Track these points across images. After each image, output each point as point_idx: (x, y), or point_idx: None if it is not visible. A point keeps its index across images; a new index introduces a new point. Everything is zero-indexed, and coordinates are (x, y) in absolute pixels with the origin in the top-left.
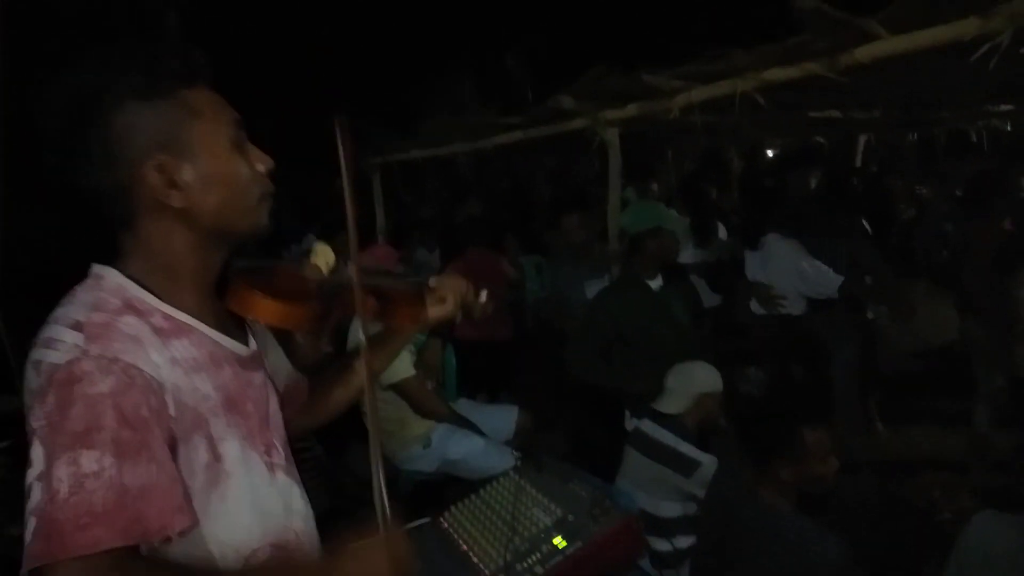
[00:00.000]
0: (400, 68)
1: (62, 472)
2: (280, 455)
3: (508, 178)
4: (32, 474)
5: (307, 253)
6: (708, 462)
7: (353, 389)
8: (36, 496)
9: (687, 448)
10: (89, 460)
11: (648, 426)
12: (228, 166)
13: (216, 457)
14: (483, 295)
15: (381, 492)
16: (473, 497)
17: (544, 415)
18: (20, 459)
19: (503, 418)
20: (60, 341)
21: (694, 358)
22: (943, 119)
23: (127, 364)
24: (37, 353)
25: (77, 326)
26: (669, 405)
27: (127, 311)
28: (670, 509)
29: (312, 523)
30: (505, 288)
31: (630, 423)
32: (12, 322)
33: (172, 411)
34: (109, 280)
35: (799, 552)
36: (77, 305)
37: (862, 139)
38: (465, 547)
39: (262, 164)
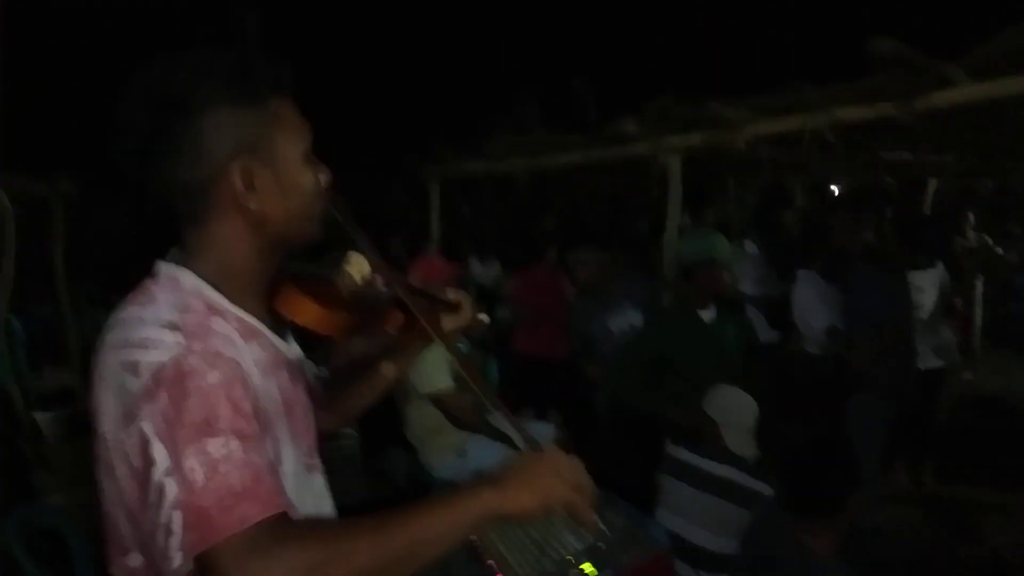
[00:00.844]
0: (467, 85)
1: (193, 462)
2: (317, 458)
3: (566, 199)
4: (159, 471)
5: (341, 261)
6: (767, 491)
7: (375, 390)
8: (172, 490)
9: (748, 481)
10: (216, 446)
11: (694, 458)
12: (301, 176)
13: (278, 459)
14: (483, 316)
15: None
16: None
17: (580, 437)
18: (74, 428)
19: (539, 434)
20: (158, 340)
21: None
22: (1020, 168)
23: (228, 358)
24: (130, 353)
25: (172, 326)
26: (740, 445)
27: (212, 313)
28: (728, 545)
29: None
30: (563, 306)
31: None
32: (75, 305)
33: (257, 410)
34: (186, 281)
35: None
36: (163, 306)
37: (932, 183)
38: (491, 561)
39: (324, 177)
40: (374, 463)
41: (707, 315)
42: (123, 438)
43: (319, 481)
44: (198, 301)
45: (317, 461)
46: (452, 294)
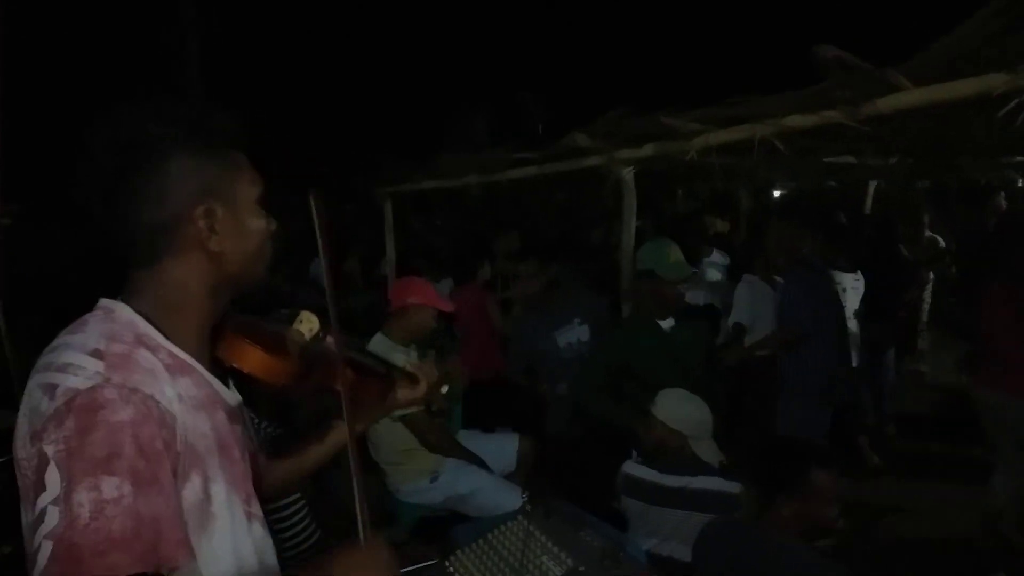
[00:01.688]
0: (414, 101)
1: (83, 497)
2: (257, 506)
3: (519, 213)
4: (47, 498)
5: (291, 318)
6: (731, 489)
7: (307, 465)
8: (53, 520)
9: (701, 482)
10: (110, 487)
11: (646, 472)
12: (255, 220)
13: (207, 497)
14: (444, 388)
15: (362, 507)
16: (480, 542)
17: (544, 446)
18: (14, 476)
19: (504, 447)
20: (79, 367)
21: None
22: (958, 167)
23: (145, 395)
24: (51, 377)
25: (97, 354)
26: (710, 455)
27: (140, 345)
28: None
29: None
30: (487, 324)
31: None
32: (15, 340)
33: (179, 446)
34: (120, 314)
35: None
36: (92, 334)
37: (872, 185)
38: None
39: (272, 225)
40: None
41: (666, 324)
42: (23, 455)
43: (258, 531)
44: (128, 333)
45: (256, 510)
46: (412, 367)
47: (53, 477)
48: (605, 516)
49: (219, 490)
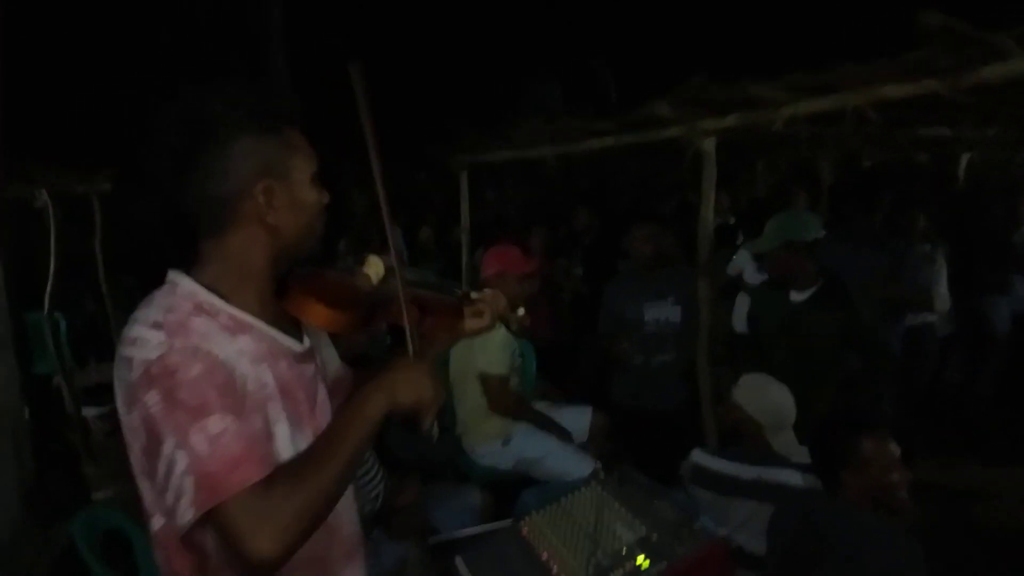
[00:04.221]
0: (492, 70)
1: (197, 438)
2: None
3: (595, 183)
4: (169, 446)
5: (360, 262)
6: (806, 482)
7: None
8: (184, 460)
9: (773, 474)
10: (214, 423)
11: (715, 462)
12: (309, 196)
13: (269, 435)
14: (520, 310)
15: (411, 329)
16: (554, 505)
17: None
18: (117, 424)
19: (577, 419)
20: (145, 340)
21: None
22: None
23: (206, 351)
24: (126, 350)
25: (157, 326)
26: (789, 447)
27: (197, 312)
28: None
29: (351, 508)
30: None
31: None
32: (116, 298)
33: (241, 392)
34: (183, 287)
35: (888, 554)
36: (154, 308)
37: (964, 158)
38: (546, 555)
39: (325, 198)
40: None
41: (801, 295)
42: (128, 420)
43: None
44: (187, 303)
45: None
46: (476, 298)
47: (167, 430)
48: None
49: (282, 429)
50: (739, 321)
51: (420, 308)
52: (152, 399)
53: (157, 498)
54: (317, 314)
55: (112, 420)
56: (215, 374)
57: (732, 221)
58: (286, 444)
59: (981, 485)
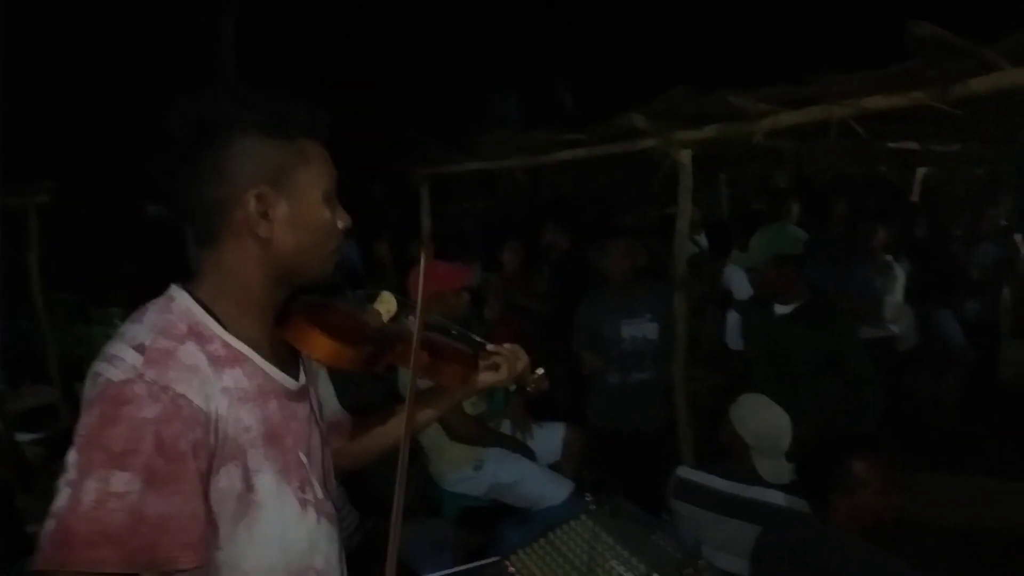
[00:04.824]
0: (451, 82)
1: (91, 485)
2: (314, 492)
3: (564, 197)
4: (64, 478)
5: (371, 298)
6: (795, 506)
7: (392, 437)
8: (62, 500)
9: (764, 495)
10: (119, 481)
11: (706, 478)
12: (316, 213)
13: (249, 488)
14: (539, 371)
15: (400, 497)
16: (542, 541)
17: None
18: (58, 449)
19: (549, 438)
20: (121, 360)
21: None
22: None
23: (177, 394)
24: (100, 366)
25: (140, 348)
26: (777, 474)
27: (190, 337)
28: None
29: (333, 563)
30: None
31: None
32: (52, 316)
33: (212, 440)
34: (179, 303)
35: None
36: (145, 326)
37: (920, 171)
38: None
39: (343, 221)
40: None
41: (785, 309)
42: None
43: (312, 518)
44: (183, 324)
45: (313, 496)
46: (492, 350)
47: (72, 460)
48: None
49: (265, 480)
50: (732, 337)
51: (431, 353)
52: (85, 421)
53: None
54: (319, 346)
55: (50, 445)
56: (169, 425)
57: (701, 237)
58: (271, 495)
59: (942, 495)
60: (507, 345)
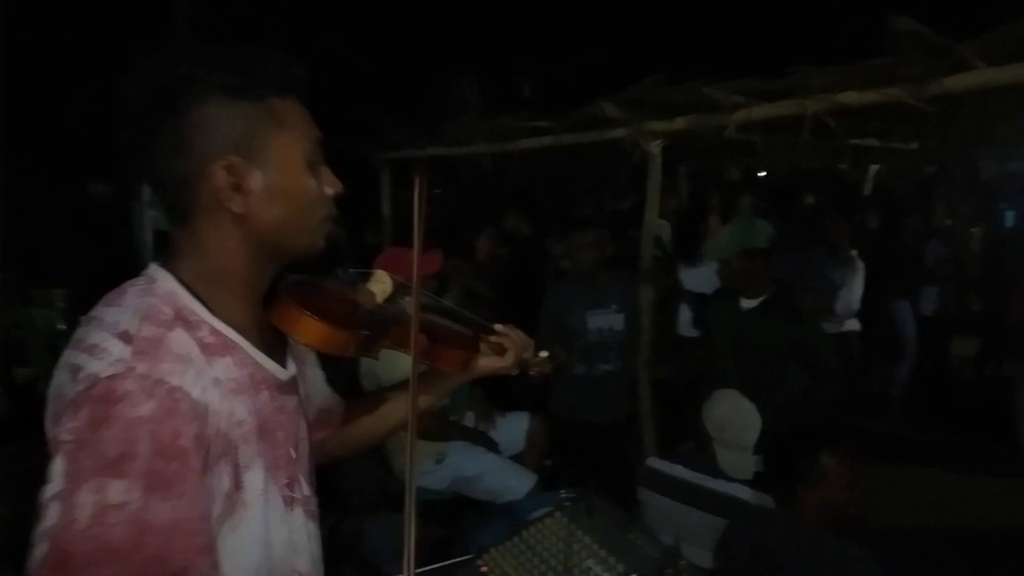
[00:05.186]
0: (412, 66)
1: (85, 498)
2: (301, 489)
3: (527, 185)
4: (50, 490)
5: (364, 277)
6: (760, 501)
7: (387, 424)
8: (52, 518)
9: (731, 488)
10: (116, 490)
11: (673, 468)
12: (296, 181)
13: (238, 485)
14: (543, 353)
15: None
16: (516, 540)
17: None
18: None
19: (512, 427)
20: (105, 351)
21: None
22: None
23: (173, 387)
24: (77, 357)
25: (125, 337)
26: (737, 469)
27: (177, 323)
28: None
29: (318, 564)
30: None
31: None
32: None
33: (210, 436)
34: (162, 285)
35: (838, 570)
36: (127, 311)
37: (872, 168)
38: None
39: (331, 187)
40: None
41: (752, 303)
42: (49, 439)
43: (299, 517)
44: (168, 308)
45: (300, 493)
46: (500, 328)
47: (59, 469)
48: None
49: (255, 477)
50: (683, 326)
51: (430, 337)
52: (72, 425)
53: None
54: (308, 330)
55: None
56: (167, 423)
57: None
58: (258, 494)
59: (888, 486)
60: (510, 328)
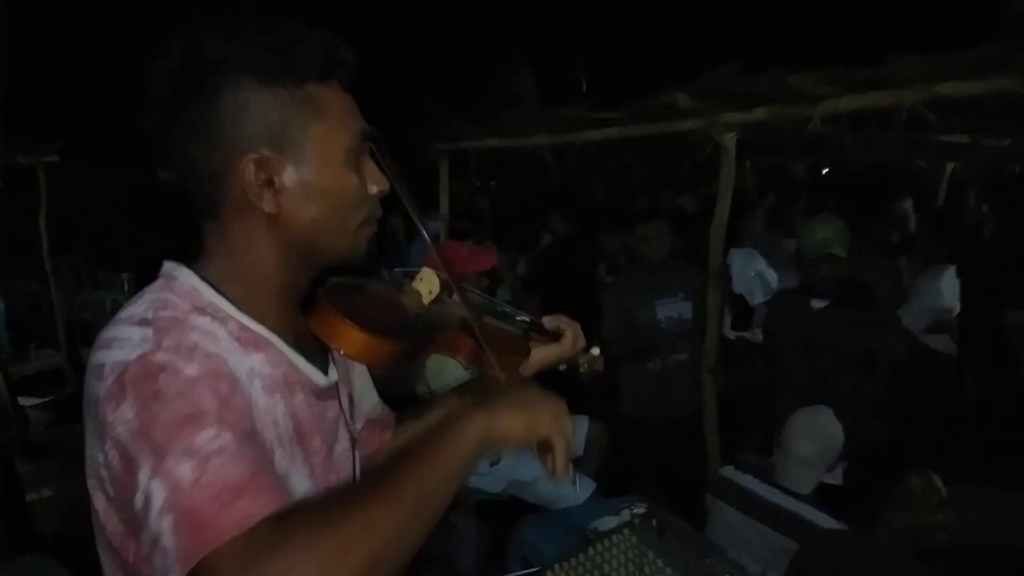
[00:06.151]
0: (465, 56)
1: (178, 461)
2: None
3: (594, 177)
4: (143, 478)
5: (410, 276)
6: (827, 524)
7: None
8: (160, 495)
9: (801, 508)
10: (205, 439)
11: (747, 480)
12: (336, 179)
13: None
14: (594, 350)
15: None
16: (581, 557)
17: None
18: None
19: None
20: (126, 339)
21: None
22: None
23: (209, 352)
24: (98, 356)
25: (143, 323)
26: (799, 483)
27: (200, 314)
28: None
29: None
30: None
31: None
32: (60, 279)
33: (248, 412)
34: (182, 282)
35: None
36: (143, 304)
37: (949, 167)
38: None
39: (376, 186)
40: None
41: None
42: (96, 456)
43: None
44: (186, 301)
45: None
46: (551, 322)
47: (142, 453)
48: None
49: (297, 486)
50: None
51: (477, 340)
52: (124, 415)
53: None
54: (351, 341)
55: (54, 410)
56: (218, 381)
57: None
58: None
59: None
60: (563, 320)
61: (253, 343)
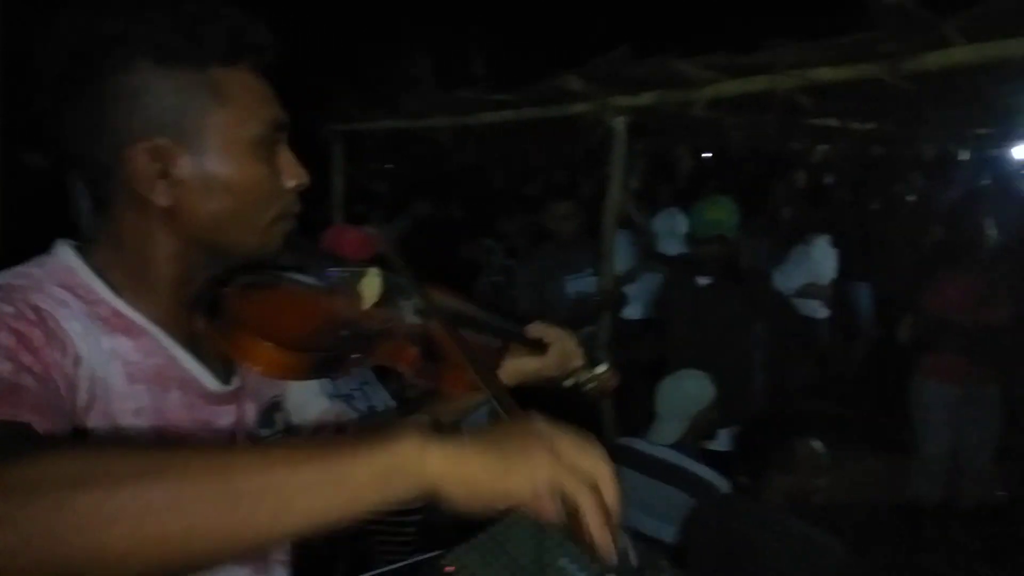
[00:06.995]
0: (362, 39)
1: None
2: None
3: (492, 158)
4: None
5: (354, 275)
6: (721, 485)
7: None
8: None
9: (697, 468)
10: None
11: (643, 444)
12: (241, 171)
13: None
14: (600, 368)
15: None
16: (484, 537)
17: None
18: None
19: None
20: None
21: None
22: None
23: (38, 306)
24: None
25: None
26: (663, 434)
27: (61, 288)
28: (663, 530)
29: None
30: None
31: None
32: None
33: (84, 399)
34: (60, 260)
35: (805, 556)
36: (6, 275)
37: (820, 149)
38: None
39: (293, 179)
40: None
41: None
42: None
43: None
44: (53, 278)
45: None
46: (535, 331)
47: None
48: None
49: None
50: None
51: (425, 350)
52: None
53: None
54: (259, 356)
55: None
56: (30, 326)
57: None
58: None
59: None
60: (551, 331)
61: (124, 328)
